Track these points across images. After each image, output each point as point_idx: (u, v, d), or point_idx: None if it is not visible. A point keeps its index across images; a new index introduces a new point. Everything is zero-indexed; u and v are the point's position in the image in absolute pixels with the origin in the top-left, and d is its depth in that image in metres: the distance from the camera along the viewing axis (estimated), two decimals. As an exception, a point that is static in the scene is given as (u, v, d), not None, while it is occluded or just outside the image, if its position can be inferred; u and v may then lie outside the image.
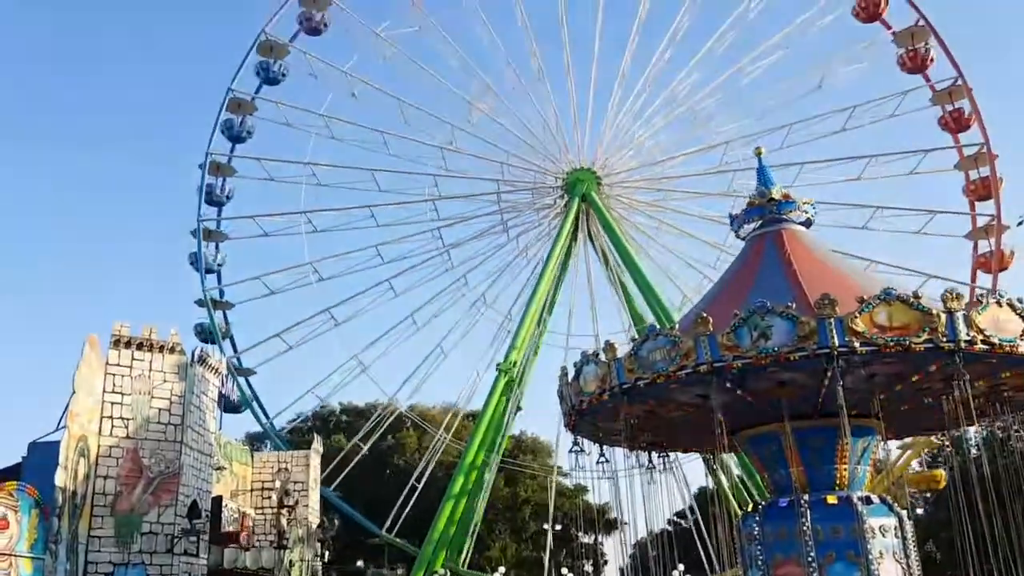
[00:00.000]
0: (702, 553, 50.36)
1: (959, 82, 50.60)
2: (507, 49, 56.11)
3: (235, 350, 53.43)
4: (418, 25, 54.96)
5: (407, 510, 51.96)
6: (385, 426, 56.22)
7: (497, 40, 55.68)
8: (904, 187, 55.20)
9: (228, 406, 50.29)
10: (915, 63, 50.48)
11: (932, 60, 50.59)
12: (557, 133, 55.86)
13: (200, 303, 52.35)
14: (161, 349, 31.35)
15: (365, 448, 53.82)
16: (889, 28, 51.75)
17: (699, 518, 50.65)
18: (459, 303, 56.10)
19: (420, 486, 52.99)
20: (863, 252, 50.23)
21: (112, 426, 29.83)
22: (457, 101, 55.63)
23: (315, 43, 54.30)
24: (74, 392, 28.68)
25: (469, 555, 49.31)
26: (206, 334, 51.78)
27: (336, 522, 49.83)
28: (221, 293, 53.66)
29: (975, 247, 51.40)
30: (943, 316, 18.20)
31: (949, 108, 50.68)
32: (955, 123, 50.59)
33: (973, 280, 50.65)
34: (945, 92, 50.81)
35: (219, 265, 53.48)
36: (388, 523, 51.99)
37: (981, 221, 51.25)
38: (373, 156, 54.74)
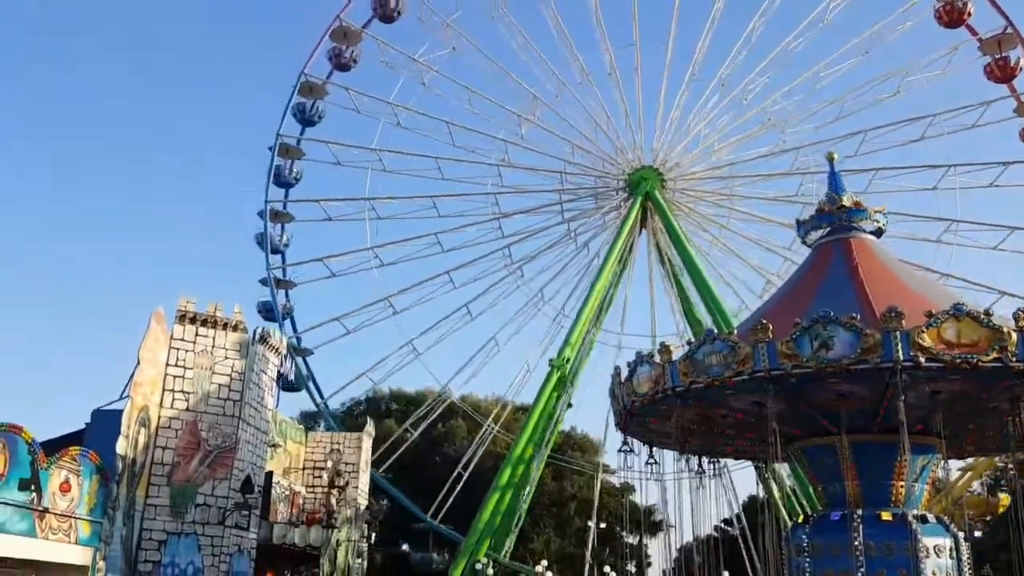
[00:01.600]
0: (747, 562, 49.79)
1: (1009, 30, 48.61)
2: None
3: (295, 330, 54.59)
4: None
5: (452, 497, 52.46)
6: (436, 414, 56.88)
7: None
8: (982, 201, 53.98)
9: (285, 385, 51.37)
10: (951, 16, 48.72)
11: (970, 14, 48.75)
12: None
13: (264, 282, 53.61)
14: (224, 326, 32.00)
15: (415, 434, 54.57)
16: None
17: (746, 527, 50.09)
18: (516, 296, 56.28)
19: (466, 474, 53.44)
20: (935, 264, 49.19)
21: (173, 399, 30.50)
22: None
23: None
24: (139, 363, 29.41)
25: (512, 547, 49.69)
26: (268, 312, 53.20)
27: (385, 503, 50.61)
28: (284, 272, 54.87)
29: None
30: (1014, 335, 17.70)
31: (996, 56, 48.79)
32: (1000, 72, 48.85)
33: None
34: (993, 41, 48.93)
35: (285, 245, 54.72)
36: (433, 509, 52.66)
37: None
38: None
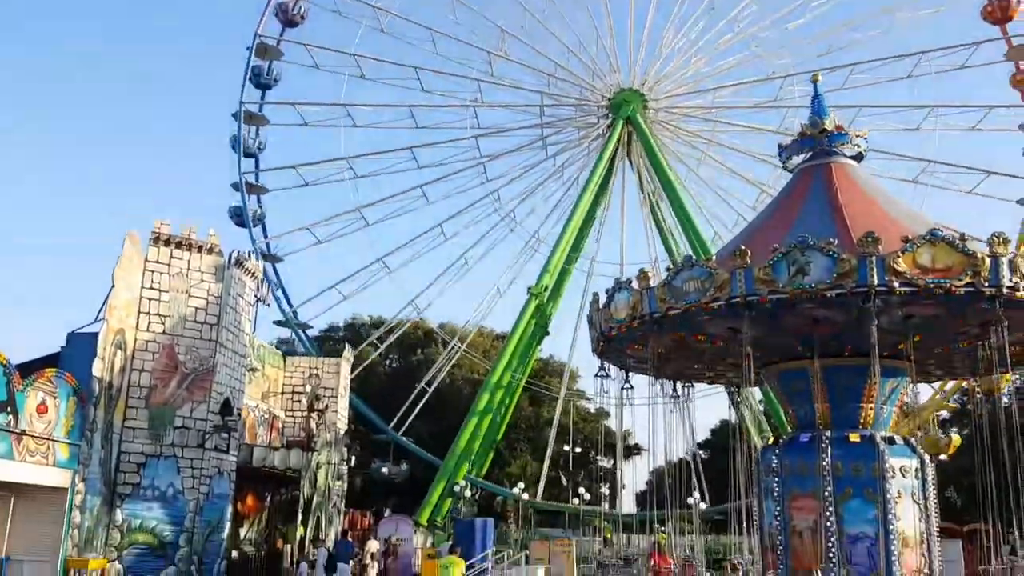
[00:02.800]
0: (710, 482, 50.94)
1: None
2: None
3: (265, 235, 54.49)
4: None
5: (414, 413, 54.31)
6: (399, 335, 58.08)
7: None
8: (962, 144, 54.61)
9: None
10: None
11: None
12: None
13: (235, 187, 53.07)
14: (200, 249, 31.63)
15: (386, 356, 55.83)
16: None
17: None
18: (490, 218, 56.48)
19: (430, 391, 54.71)
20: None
21: (149, 322, 30.33)
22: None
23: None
24: (113, 286, 29.17)
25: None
26: (239, 217, 53.10)
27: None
28: (257, 177, 54.33)
29: None
30: (987, 260, 17.76)
31: None
32: (1000, 12, 48.18)
33: None
34: None
35: (259, 148, 54.03)
36: (395, 422, 53.81)
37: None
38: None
